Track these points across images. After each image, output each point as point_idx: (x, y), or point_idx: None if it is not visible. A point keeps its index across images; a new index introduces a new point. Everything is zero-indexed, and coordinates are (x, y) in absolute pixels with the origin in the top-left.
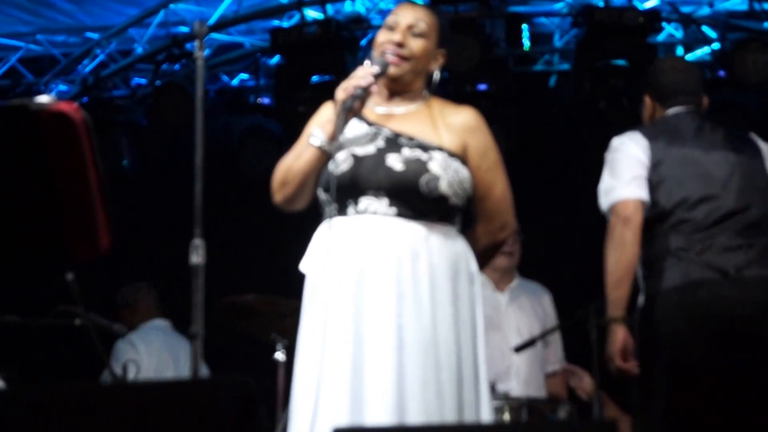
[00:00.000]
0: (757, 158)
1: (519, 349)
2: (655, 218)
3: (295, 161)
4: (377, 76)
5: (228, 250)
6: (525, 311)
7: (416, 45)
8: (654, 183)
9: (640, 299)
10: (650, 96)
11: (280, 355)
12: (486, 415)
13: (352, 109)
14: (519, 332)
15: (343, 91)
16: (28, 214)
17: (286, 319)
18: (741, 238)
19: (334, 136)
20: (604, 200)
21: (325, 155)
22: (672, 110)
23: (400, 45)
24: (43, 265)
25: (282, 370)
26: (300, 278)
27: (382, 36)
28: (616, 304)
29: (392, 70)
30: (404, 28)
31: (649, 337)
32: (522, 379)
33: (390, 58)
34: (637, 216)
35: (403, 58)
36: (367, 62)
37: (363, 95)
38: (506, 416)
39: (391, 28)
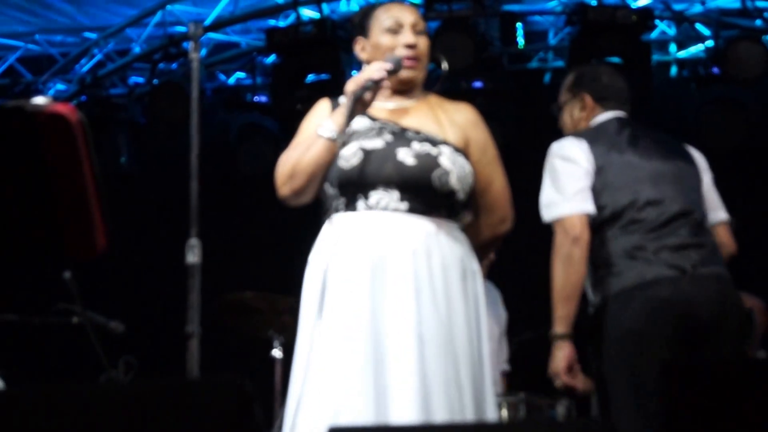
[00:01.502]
0: (691, 164)
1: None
2: (604, 221)
3: (304, 153)
4: (390, 73)
5: (225, 247)
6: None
7: (423, 43)
8: (599, 188)
9: (596, 299)
10: (591, 95)
11: (277, 352)
12: (491, 413)
13: (362, 101)
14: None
15: (354, 83)
16: (26, 215)
17: (283, 317)
18: (691, 237)
19: (343, 127)
20: (547, 213)
21: (335, 146)
22: (610, 113)
23: (413, 46)
24: (40, 264)
25: (279, 367)
26: (297, 275)
27: (386, 39)
28: (564, 321)
29: (408, 74)
30: (410, 28)
31: (611, 335)
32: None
33: (407, 62)
34: (585, 233)
35: (418, 60)
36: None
37: (373, 87)
38: (504, 413)
39: (395, 31)
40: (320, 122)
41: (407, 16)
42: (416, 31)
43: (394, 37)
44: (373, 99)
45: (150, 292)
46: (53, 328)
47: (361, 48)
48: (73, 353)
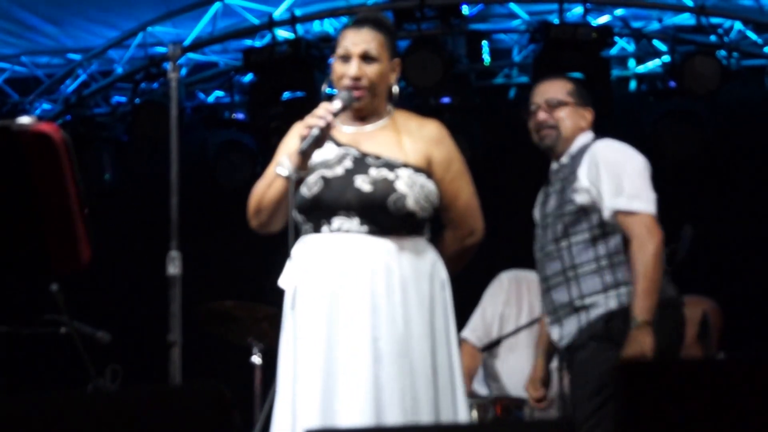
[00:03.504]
0: None
1: (485, 348)
2: None
3: (266, 191)
4: (339, 112)
5: (205, 258)
6: None
7: (372, 71)
8: None
9: (616, 302)
10: (593, 115)
11: (256, 359)
12: (463, 416)
13: (314, 145)
14: None
15: (305, 127)
16: (11, 230)
17: (262, 324)
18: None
19: (299, 165)
20: (633, 203)
21: (292, 184)
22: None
23: (357, 79)
24: (27, 277)
25: (259, 373)
26: (273, 285)
27: (338, 68)
28: (652, 310)
29: (356, 104)
30: (357, 58)
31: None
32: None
33: (355, 94)
34: None
35: (365, 89)
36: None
37: (322, 135)
38: (474, 414)
39: (345, 59)
40: (280, 159)
41: (357, 45)
42: (366, 59)
43: (343, 65)
44: (325, 139)
45: (133, 303)
46: (42, 338)
47: (334, 65)
48: (61, 363)
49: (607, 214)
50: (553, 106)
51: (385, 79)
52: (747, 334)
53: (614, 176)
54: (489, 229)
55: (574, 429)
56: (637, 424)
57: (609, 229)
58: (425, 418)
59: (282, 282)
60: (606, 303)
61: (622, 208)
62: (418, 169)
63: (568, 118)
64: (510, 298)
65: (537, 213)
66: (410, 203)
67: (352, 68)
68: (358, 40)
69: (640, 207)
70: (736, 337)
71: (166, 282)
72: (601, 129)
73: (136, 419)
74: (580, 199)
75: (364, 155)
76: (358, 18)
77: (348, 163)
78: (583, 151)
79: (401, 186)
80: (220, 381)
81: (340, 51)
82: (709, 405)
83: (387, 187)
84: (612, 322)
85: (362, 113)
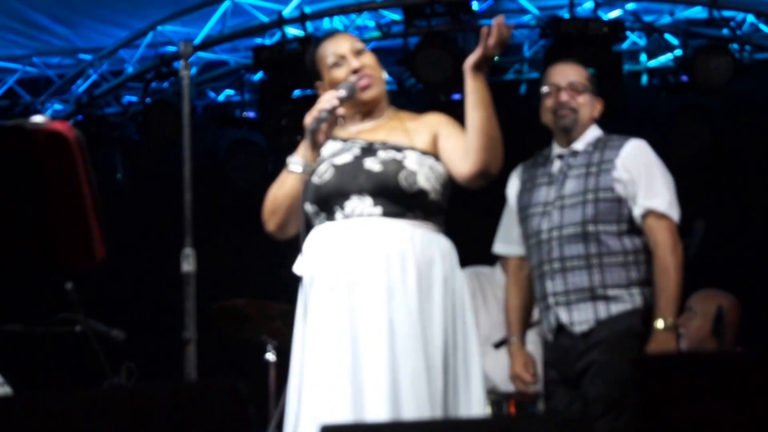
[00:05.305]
0: None
1: (498, 345)
2: None
3: (278, 190)
4: (344, 99)
5: (218, 257)
6: None
7: (369, 60)
8: None
9: (643, 301)
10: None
11: (270, 356)
12: (477, 406)
13: (321, 131)
14: None
15: (310, 116)
16: (26, 229)
17: (275, 322)
18: None
19: (310, 158)
20: (672, 210)
21: (307, 178)
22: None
23: (360, 69)
24: (41, 276)
25: (273, 370)
26: (287, 282)
27: (336, 73)
28: (677, 314)
29: (368, 94)
30: (350, 54)
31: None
32: None
33: (361, 83)
34: None
35: (370, 77)
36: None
37: (328, 117)
38: (487, 409)
39: (339, 64)
40: (289, 159)
41: (343, 45)
42: (357, 54)
43: (340, 69)
44: (332, 127)
45: (148, 301)
46: (57, 337)
47: (322, 90)
48: (76, 361)
49: (638, 211)
50: (577, 89)
51: (380, 69)
52: (766, 329)
53: (656, 178)
54: (492, 228)
55: (591, 425)
56: (657, 417)
57: (637, 226)
58: (438, 401)
59: (297, 269)
60: (632, 299)
61: (659, 210)
62: (425, 153)
63: (587, 104)
64: (475, 293)
65: (536, 195)
66: (421, 180)
67: (353, 62)
68: (342, 41)
69: (674, 215)
70: (756, 332)
71: (180, 279)
72: (614, 124)
73: (152, 416)
74: (620, 188)
75: (370, 143)
76: (323, 36)
77: (356, 151)
78: (602, 142)
79: (410, 164)
80: (235, 378)
81: (329, 60)
82: (728, 398)
83: (396, 165)
84: (647, 321)
85: (370, 106)
